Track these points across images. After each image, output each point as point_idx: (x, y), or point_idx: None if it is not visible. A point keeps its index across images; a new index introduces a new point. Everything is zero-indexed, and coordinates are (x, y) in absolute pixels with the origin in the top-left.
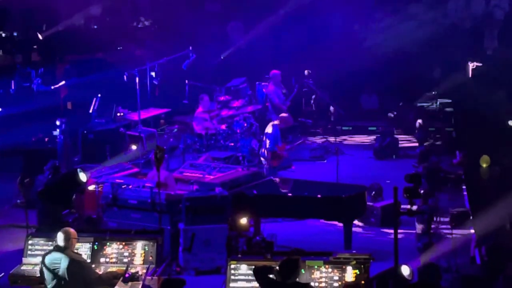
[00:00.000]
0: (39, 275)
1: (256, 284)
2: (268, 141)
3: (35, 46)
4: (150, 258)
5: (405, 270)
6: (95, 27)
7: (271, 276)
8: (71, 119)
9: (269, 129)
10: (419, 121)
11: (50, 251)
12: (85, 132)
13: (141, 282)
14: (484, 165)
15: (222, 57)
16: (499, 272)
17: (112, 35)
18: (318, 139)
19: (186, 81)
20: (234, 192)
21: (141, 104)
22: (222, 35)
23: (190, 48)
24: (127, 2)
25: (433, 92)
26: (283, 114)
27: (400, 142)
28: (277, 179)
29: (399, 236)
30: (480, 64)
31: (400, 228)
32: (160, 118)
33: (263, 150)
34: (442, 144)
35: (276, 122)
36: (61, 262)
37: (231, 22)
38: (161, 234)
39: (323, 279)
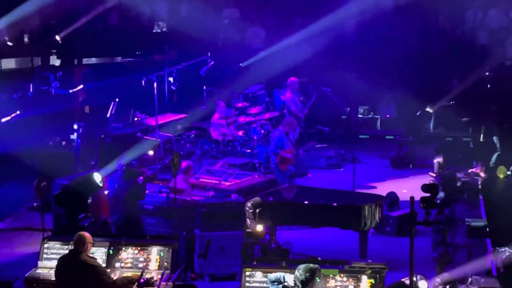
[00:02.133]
0: (54, 278)
1: None
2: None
3: (53, 50)
4: (165, 263)
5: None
6: (114, 31)
7: (285, 284)
8: (89, 123)
9: (274, 133)
10: (437, 130)
11: (65, 255)
12: (102, 136)
13: None
14: (501, 176)
15: (242, 65)
16: None
17: (131, 40)
18: (335, 147)
19: (204, 87)
20: (250, 199)
21: (159, 109)
22: (241, 41)
23: (209, 54)
24: (146, 7)
25: (451, 102)
26: (288, 118)
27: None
28: (294, 187)
29: (415, 245)
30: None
31: (416, 237)
32: (178, 124)
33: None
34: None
35: (282, 125)
36: (76, 266)
37: (251, 27)
38: (177, 240)
39: None
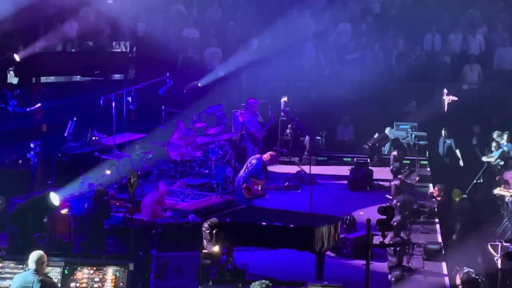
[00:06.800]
0: None
1: None
2: (246, 170)
3: (11, 68)
4: (121, 284)
5: None
6: (73, 50)
7: None
8: (46, 142)
9: (253, 160)
10: (394, 153)
11: (21, 274)
12: (60, 155)
13: None
14: (457, 199)
15: (199, 85)
16: None
17: (90, 59)
18: (293, 169)
19: (163, 107)
20: (207, 220)
21: (117, 129)
22: (200, 62)
23: (168, 74)
24: (106, 26)
25: (409, 125)
26: (272, 153)
27: (374, 173)
28: (251, 208)
29: (371, 268)
30: (456, 99)
31: (372, 260)
32: (136, 143)
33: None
34: (416, 176)
35: (264, 156)
36: (32, 285)
37: (208, 48)
38: (133, 260)
39: None
